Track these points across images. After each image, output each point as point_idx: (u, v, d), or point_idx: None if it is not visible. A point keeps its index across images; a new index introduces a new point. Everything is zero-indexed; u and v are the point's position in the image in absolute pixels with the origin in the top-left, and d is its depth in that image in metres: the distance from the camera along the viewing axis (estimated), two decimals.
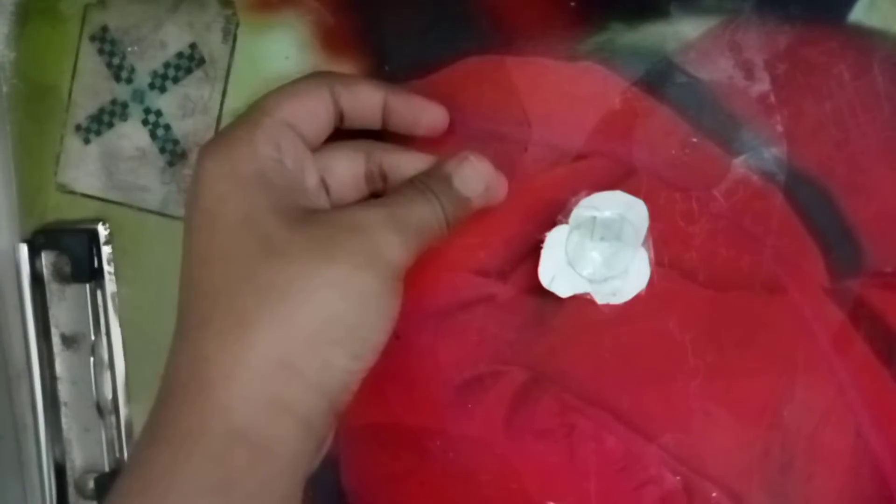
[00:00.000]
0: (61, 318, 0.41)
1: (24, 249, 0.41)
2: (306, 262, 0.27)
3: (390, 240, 0.28)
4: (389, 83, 0.33)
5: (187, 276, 0.29)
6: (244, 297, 0.27)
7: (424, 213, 0.30)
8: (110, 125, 0.40)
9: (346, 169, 0.33)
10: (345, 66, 0.36)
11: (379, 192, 0.34)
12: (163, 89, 0.39)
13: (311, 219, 0.28)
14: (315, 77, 0.32)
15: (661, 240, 0.34)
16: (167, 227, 0.39)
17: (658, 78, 0.33)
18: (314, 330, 0.27)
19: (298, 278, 0.27)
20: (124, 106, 0.39)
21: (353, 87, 0.32)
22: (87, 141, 0.40)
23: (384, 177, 0.33)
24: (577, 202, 0.34)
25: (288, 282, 0.27)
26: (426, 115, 0.33)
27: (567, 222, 0.34)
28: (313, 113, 0.31)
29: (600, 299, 0.34)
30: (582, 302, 0.34)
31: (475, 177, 0.32)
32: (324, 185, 0.33)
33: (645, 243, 0.33)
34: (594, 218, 0.33)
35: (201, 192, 0.29)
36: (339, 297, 0.27)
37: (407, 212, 0.30)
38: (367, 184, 0.34)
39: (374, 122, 0.33)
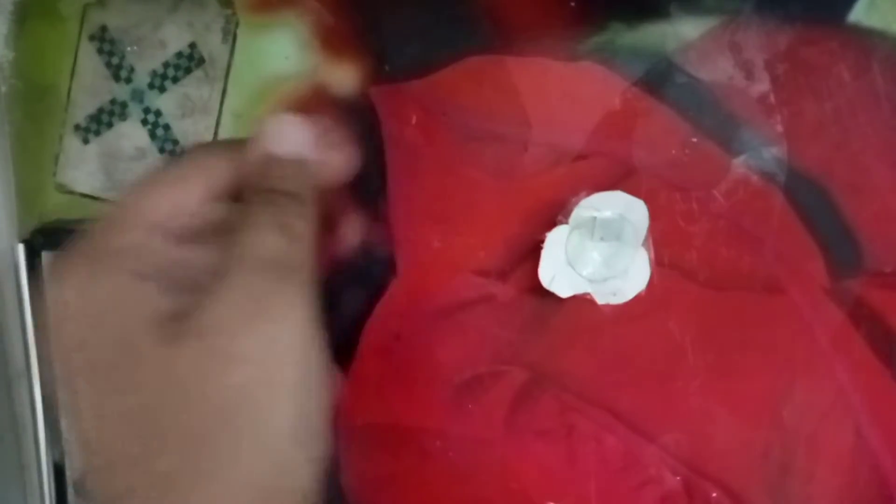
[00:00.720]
0: None
1: (22, 250, 0.41)
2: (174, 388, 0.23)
3: (263, 301, 0.24)
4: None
5: None
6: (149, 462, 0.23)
7: (273, 235, 0.26)
8: (109, 125, 0.39)
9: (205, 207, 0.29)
10: (345, 66, 0.36)
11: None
12: (162, 89, 0.39)
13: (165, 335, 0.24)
14: (184, 167, 0.29)
15: (661, 240, 0.34)
16: None
17: (658, 78, 0.33)
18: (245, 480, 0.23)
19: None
20: (123, 106, 0.39)
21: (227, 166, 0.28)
22: (86, 141, 0.40)
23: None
24: (577, 202, 0.34)
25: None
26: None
27: (567, 222, 0.34)
28: (176, 208, 0.27)
29: (600, 299, 0.34)
30: (582, 302, 0.34)
31: (281, 130, 0.29)
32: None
33: (645, 243, 0.33)
34: (594, 218, 0.33)
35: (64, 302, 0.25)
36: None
37: (255, 249, 0.25)
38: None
39: None
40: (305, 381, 0.24)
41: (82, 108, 0.40)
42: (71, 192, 0.41)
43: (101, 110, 0.40)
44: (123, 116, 0.39)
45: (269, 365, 0.23)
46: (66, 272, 0.25)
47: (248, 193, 0.27)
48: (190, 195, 0.27)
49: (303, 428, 0.24)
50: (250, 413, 0.23)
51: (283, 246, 0.25)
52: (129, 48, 0.39)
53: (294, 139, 0.28)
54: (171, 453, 0.22)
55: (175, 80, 0.38)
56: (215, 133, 0.38)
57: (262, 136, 0.29)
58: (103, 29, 0.39)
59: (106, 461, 0.23)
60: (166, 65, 0.38)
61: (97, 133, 0.40)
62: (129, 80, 0.39)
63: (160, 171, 0.28)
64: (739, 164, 0.33)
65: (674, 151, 0.33)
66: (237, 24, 0.37)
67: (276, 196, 0.27)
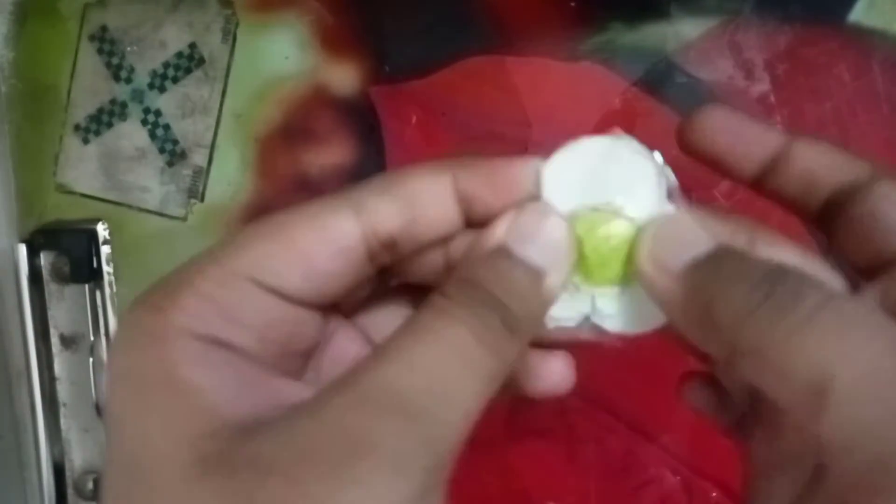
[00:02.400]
0: (60, 319, 0.41)
1: (22, 249, 0.41)
2: None
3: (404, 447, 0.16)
4: (455, 161, 0.21)
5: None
6: None
7: (465, 332, 0.17)
8: (109, 125, 0.39)
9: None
10: (345, 66, 0.36)
11: None
12: (162, 89, 0.38)
13: (235, 457, 0.16)
14: (336, 197, 0.20)
15: None
16: (166, 227, 0.39)
17: (658, 78, 0.33)
18: None
19: None
20: (123, 106, 0.39)
21: (401, 193, 0.20)
22: (86, 141, 0.40)
23: None
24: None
25: None
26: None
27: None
28: (318, 254, 0.19)
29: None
30: None
31: (540, 226, 0.19)
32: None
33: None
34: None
35: (109, 382, 0.18)
36: None
37: (417, 360, 0.17)
38: None
39: (449, 225, 0.20)
40: None
41: (82, 109, 0.40)
42: (71, 192, 0.41)
43: (101, 110, 0.39)
44: (123, 116, 0.39)
45: None
46: (123, 322, 0.19)
47: (448, 283, 0.19)
48: (311, 252, 0.19)
49: None
50: None
51: (460, 373, 0.17)
52: (129, 48, 0.39)
53: (553, 245, 0.19)
54: None
55: (175, 80, 0.38)
56: (215, 133, 0.38)
57: (506, 223, 0.20)
58: (103, 29, 0.39)
59: None
60: (166, 65, 0.38)
61: (97, 133, 0.40)
62: (129, 81, 0.39)
63: (266, 219, 0.20)
64: None
65: (674, 151, 0.33)
66: (237, 24, 0.37)
67: (486, 301, 0.18)
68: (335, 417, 0.16)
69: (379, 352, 0.17)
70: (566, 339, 0.21)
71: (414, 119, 0.35)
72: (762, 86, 0.32)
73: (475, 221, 0.20)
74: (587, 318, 0.21)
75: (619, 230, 0.20)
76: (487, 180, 0.20)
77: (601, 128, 0.34)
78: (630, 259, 0.20)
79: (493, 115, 0.35)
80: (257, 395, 0.18)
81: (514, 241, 0.19)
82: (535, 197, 0.20)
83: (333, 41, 0.36)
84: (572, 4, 0.34)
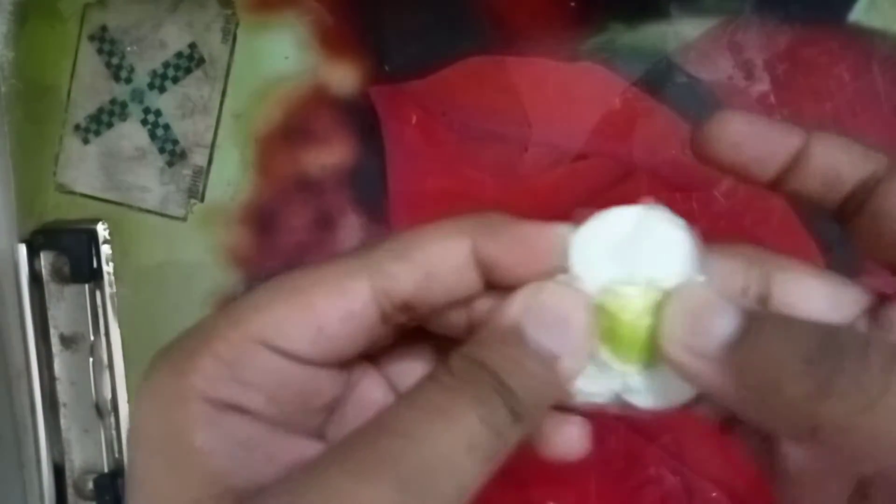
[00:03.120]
0: (60, 319, 0.41)
1: (22, 250, 0.41)
2: None
3: None
4: (475, 222, 0.20)
5: None
6: None
7: (475, 424, 0.17)
8: (109, 125, 0.39)
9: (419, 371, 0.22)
10: (345, 66, 0.36)
11: None
12: (162, 89, 0.38)
13: None
14: (352, 259, 0.20)
15: None
16: (166, 227, 0.39)
17: (658, 78, 0.33)
18: None
19: None
20: (123, 106, 0.39)
21: (416, 258, 0.19)
22: (86, 141, 0.40)
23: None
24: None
25: None
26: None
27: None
28: (328, 318, 0.19)
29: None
30: None
31: (555, 308, 0.19)
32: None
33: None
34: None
35: (130, 443, 0.19)
36: None
37: (421, 446, 0.17)
38: None
39: (466, 290, 0.20)
40: None
41: (82, 109, 0.40)
42: (71, 192, 0.41)
43: (100, 110, 0.40)
44: (123, 116, 0.39)
45: None
46: (147, 382, 0.19)
47: (455, 359, 0.18)
48: (322, 316, 0.19)
49: None
50: None
51: (460, 452, 0.17)
52: (129, 48, 0.39)
53: (571, 330, 0.19)
54: None
55: (175, 80, 0.38)
56: (215, 133, 0.38)
57: (522, 300, 0.19)
58: (103, 29, 0.39)
59: None
60: (166, 65, 0.38)
61: (97, 133, 0.40)
62: (128, 81, 0.39)
63: (285, 278, 0.20)
64: None
65: (674, 151, 0.33)
66: (237, 24, 0.37)
67: (492, 385, 0.18)
68: (333, 485, 0.16)
69: (382, 421, 0.17)
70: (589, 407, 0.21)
71: (414, 119, 0.35)
72: (762, 86, 0.32)
73: (499, 284, 0.20)
74: (617, 395, 0.20)
75: (652, 307, 0.19)
76: (511, 248, 0.19)
77: (602, 128, 0.34)
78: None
79: (493, 115, 0.35)
80: (265, 458, 0.19)
81: (528, 324, 0.18)
82: (562, 268, 0.19)
83: (333, 41, 0.36)
84: (572, 4, 0.34)
